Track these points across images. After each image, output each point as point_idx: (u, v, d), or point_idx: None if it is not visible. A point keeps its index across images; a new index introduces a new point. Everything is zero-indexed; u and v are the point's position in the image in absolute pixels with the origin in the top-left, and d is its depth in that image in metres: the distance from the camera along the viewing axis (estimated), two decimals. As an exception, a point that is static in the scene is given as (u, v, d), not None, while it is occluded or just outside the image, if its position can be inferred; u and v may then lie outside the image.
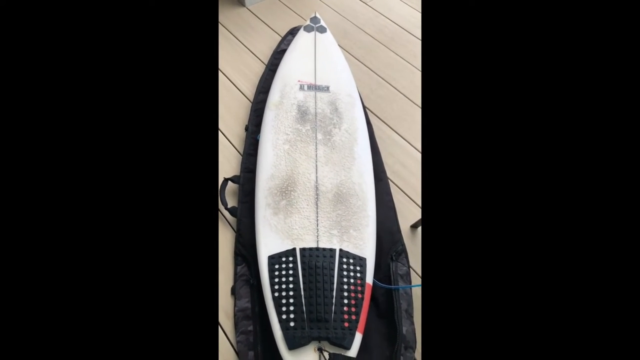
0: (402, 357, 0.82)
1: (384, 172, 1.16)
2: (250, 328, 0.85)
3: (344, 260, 0.86)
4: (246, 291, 0.91)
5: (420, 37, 1.60)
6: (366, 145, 1.14)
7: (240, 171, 1.12)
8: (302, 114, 1.16)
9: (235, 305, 0.89)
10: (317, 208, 0.95)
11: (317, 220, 0.93)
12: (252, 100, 1.32)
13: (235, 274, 0.94)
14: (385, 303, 0.91)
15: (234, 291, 0.91)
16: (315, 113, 1.17)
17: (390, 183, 1.15)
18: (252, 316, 0.87)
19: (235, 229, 1.01)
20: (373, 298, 0.88)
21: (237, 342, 0.84)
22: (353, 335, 0.76)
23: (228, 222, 1.04)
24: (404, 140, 1.26)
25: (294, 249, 0.87)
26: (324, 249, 0.87)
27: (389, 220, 1.05)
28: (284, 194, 0.97)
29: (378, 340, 0.86)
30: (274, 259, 0.85)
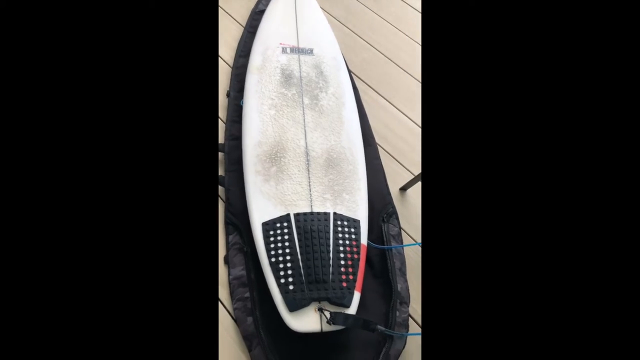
0: (397, 312, 0.85)
1: (372, 136, 1.15)
2: (247, 295, 0.85)
3: (339, 222, 0.86)
4: (240, 259, 0.89)
5: (406, 1, 1.56)
6: (354, 110, 1.12)
7: (225, 139, 1.08)
8: (287, 77, 1.12)
9: (229, 274, 0.88)
10: (308, 174, 0.93)
11: (310, 185, 0.91)
12: (232, 65, 1.26)
13: (227, 242, 0.92)
14: (380, 263, 0.93)
15: (227, 260, 0.90)
16: (300, 77, 1.13)
17: (378, 147, 1.14)
18: (248, 283, 0.86)
19: (224, 199, 0.98)
20: (367, 259, 0.90)
21: (235, 309, 0.84)
22: (352, 294, 0.77)
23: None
24: (390, 105, 1.25)
25: (288, 215, 0.85)
26: (318, 213, 0.87)
27: (379, 184, 1.05)
28: (273, 161, 0.94)
29: (374, 298, 0.88)
30: (268, 225, 0.84)
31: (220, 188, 1.01)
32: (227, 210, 0.96)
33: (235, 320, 0.83)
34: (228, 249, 0.92)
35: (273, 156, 0.95)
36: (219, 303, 0.86)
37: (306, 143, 0.99)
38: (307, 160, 0.96)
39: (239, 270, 0.88)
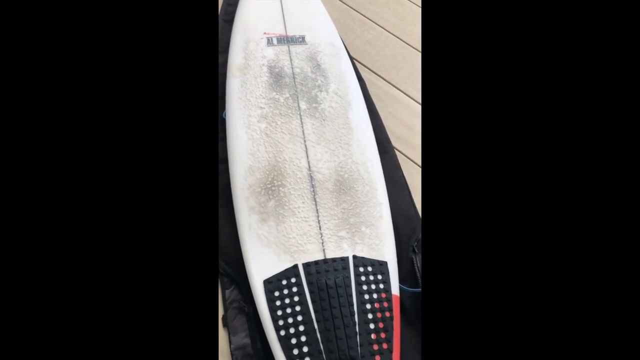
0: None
1: (387, 140, 0.94)
2: (255, 369, 0.68)
3: (361, 270, 0.68)
4: (242, 322, 0.72)
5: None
6: (363, 109, 0.91)
7: (209, 163, 0.88)
8: (276, 77, 0.90)
9: (230, 342, 0.71)
10: (315, 204, 0.74)
11: (319, 221, 0.72)
12: (208, 66, 1.04)
13: (225, 300, 0.75)
14: (413, 306, 0.75)
15: (226, 322, 0.72)
16: (293, 74, 0.91)
17: (397, 153, 0.94)
18: (254, 354, 0.69)
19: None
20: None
21: (241, 387, 0.68)
22: (388, 370, 0.60)
23: (204, 232, 0.82)
24: (404, 95, 1.03)
25: (296, 266, 0.67)
26: (333, 260, 0.68)
27: (403, 202, 0.85)
28: (270, 192, 0.75)
29: (408, 354, 0.71)
30: (271, 284, 0.66)
31: (208, 227, 0.82)
32: (219, 257, 0.78)
33: (243, 401, 0.67)
34: (226, 307, 0.74)
35: (269, 185, 0.75)
36: (222, 378, 0.70)
37: (308, 163, 0.79)
38: (312, 186, 0.76)
39: (242, 338, 0.71)
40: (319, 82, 0.91)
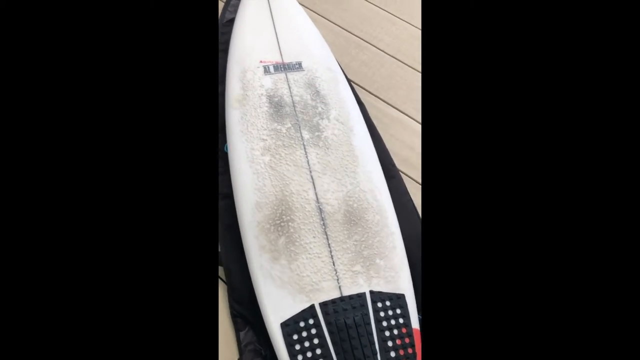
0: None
1: (392, 164, 0.93)
2: (276, 417, 0.66)
3: (379, 305, 0.66)
4: (259, 366, 0.70)
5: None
6: (365, 134, 0.90)
7: (213, 199, 0.86)
8: (277, 107, 0.89)
9: (248, 388, 0.69)
10: (327, 239, 0.72)
11: (332, 256, 0.71)
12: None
13: (239, 342, 0.72)
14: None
15: (242, 366, 0.70)
16: (293, 102, 0.90)
17: (403, 176, 0.93)
18: (275, 399, 0.67)
19: (225, 281, 0.77)
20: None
21: None
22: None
23: (212, 271, 0.80)
24: (404, 115, 1.03)
25: (313, 307, 0.65)
26: (350, 297, 0.66)
27: (414, 228, 0.84)
28: (280, 228, 0.73)
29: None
30: (289, 327, 0.64)
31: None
32: (231, 297, 0.75)
33: None
34: (241, 350, 0.72)
35: (278, 221, 0.74)
36: None
37: (316, 194, 0.77)
38: (322, 218, 0.75)
39: (260, 383, 0.69)
40: (320, 109, 0.90)
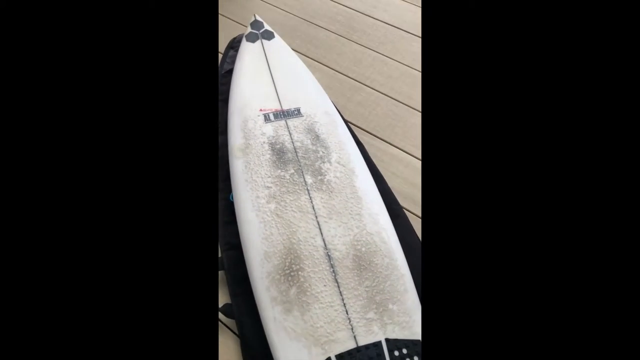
0: None
1: (396, 202, 0.94)
2: None
3: (396, 354, 0.65)
4: None
5: (379, 19, 1.37)
6: (367, 175, 0.92)
7: (220, 250, 0.86)
8: (279, 153, 0.91)
9: None
10: (338, 286, 0.72)
11: (345, 304, 0.70)
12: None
13: (255, 400, 0.70)
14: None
15: None
16: (294, 148, 0.92)
17: (407, 214, 0.94)
18: None
19: (238, 334, 0.76)
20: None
21: None
22: None
23: (225, 325, 0.79)
24: (403, 153, 1.05)
25: (330, 359, 0.64)
26: (366, 347, 0.65)
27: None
28: (290, 278, 0.73)
29: None
30: (307, 383, 0.63)
31: (228, 320, 0.78)
32: (245, 352, 0.74)
33: None
34: (257, 409, 0.70)
35: (288, 271, 0.74)
36: None
37: (324, 240, 0.78)
38: (332, 265, 0.75)
39: None
40: (321, 153, 0.92)
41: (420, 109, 1.13)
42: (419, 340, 0.68)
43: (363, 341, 0.66)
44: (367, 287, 0.73)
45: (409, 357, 0.65)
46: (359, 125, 1.10)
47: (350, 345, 0.66)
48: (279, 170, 0.88)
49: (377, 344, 0.66)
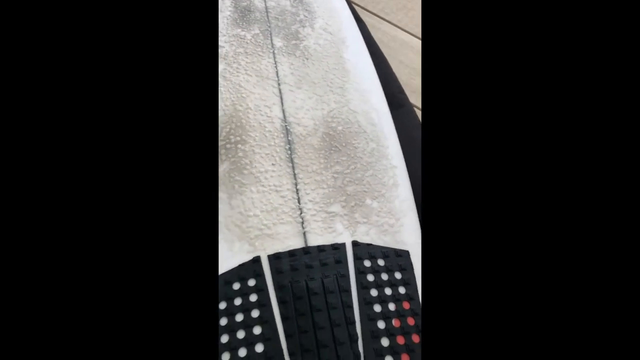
0: None
1: (401, 91, 0.69)
2: None
3: (366, 265, 0.41)
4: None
5: None
6: (362, 49, 0.66)
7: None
8: (243, 12, 0.66)
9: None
10: (293, 167, 0.48)
11: (297, 190, 0.46)
12: None
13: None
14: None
15: None
16: (266, 8, 0.67)
17: (415, 109, 0.68)
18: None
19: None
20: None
21: None
22: None
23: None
24: (415, 39, 0.78)
25: (257, 260, 0.40)
26: (320, 249, 0.41)
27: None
28: (224, 151, 0.49)
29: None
30: (227, 286, 0.39)
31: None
32: None
33: None
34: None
35: (223, 143, 0.50)
36: None
37: (283, 111, 0.54)
38: (289, 141, 0.50)
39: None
40: (302, 16, 0.67)
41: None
42: (407, 251, 0.43)
43: (316, 241, 0.42)
44: (336, 172, 0.48)
45: (387, 273, 0.40)
46: (362, 5, 0.84)
47: (295, 244, 0.41)
48: (239, 29, 0.64)
49: (339, 247, 0.41)
